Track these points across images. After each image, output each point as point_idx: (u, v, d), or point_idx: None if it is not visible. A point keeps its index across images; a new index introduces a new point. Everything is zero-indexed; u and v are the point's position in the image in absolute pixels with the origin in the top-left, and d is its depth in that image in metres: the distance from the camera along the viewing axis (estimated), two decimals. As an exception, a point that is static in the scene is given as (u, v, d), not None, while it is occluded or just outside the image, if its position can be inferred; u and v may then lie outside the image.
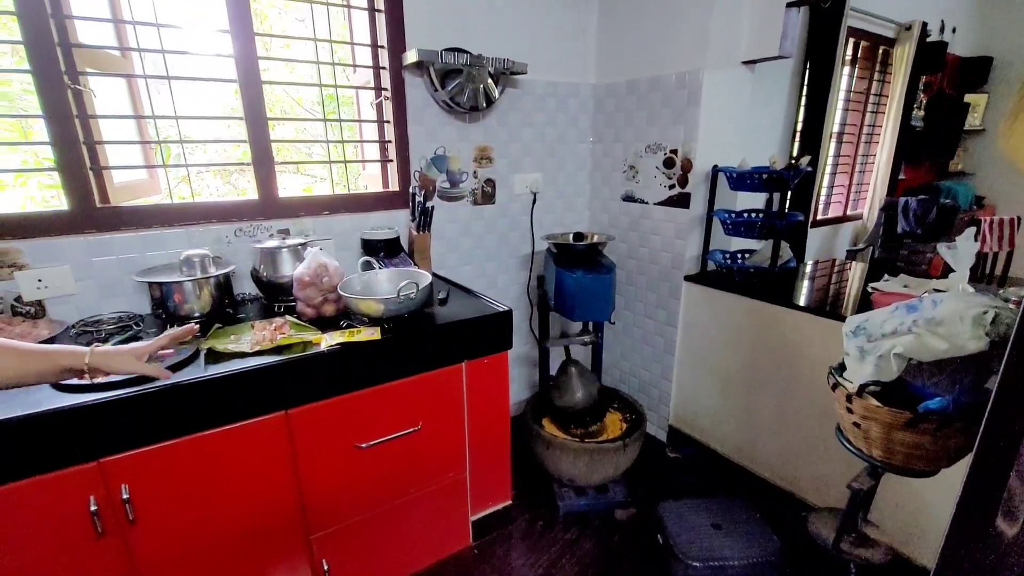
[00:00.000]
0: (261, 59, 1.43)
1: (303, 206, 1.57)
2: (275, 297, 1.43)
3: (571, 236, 1.94)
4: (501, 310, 1.38)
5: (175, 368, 1.05)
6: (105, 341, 1.19)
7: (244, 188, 3.10)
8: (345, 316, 1.33)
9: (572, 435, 1.82)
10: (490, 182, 1.90)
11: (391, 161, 1.73)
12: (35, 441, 0.90)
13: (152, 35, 1.34)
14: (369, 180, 1.91)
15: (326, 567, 1.28)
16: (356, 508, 1.30)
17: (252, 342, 1.17)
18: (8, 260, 1.21)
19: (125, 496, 0.99)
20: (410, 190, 1.70)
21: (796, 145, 2.40)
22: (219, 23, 1.39)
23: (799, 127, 2.36)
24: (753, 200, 1.85)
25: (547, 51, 1.90)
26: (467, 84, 1.61)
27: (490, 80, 1.65)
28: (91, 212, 1.30)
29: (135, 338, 1.21)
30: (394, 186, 1.75)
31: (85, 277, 1.31)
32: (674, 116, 1.80)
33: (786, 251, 1.76)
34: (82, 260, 1.30)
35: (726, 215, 1.75)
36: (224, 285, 1.35)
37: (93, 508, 0.97)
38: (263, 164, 1.49)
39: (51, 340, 1.17)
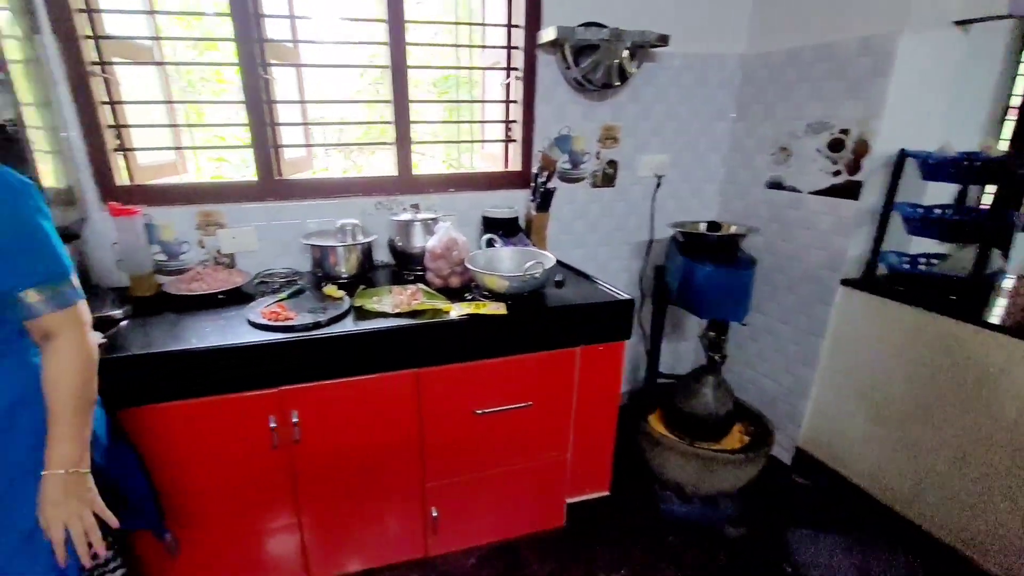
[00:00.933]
0: (409, 45, 1.76)
1: (432, 183, 1.91)
2: (406, 266, 1.79)
3: (703, 225, 2.02)
4: (622, 298, 1.58)
5: (334, 320, 1.43)
6: (276, 292, 1.64)
7: (361, 164, 3.63)
8: (468, 289, 1.63)
9: (681, 434, 1.96)
10: (612, 164, 2.08)
11: (514, 141, 1.99)
12: (237, 365, 1.33)
13: (308, 28, 1.73)
14: (487, 160, 2.20)
15: (435, 513, 1.63)
16: (466, 468, 1.61)
17: (392, 304, 1.52)
18: (214, 220, 1.71)
19: (295, 420, 1.40)
20: (532, 170, 1.95)
21: (1010, 127, 2.18)
22: (374, 13, 1.74)
23: (1015, 104, 2.13)
24: (938, 195, 1.76)
25: (690, 18, 1.99)
26: (602, 60, 1.79)
27: (626, 54, 1.81)
28: (272, 183, 1.76)
29: (299, 292, 1.62)
30: (515, 166, 2.01)
31: (265, 237, 1.79)
32: (849, 89, 1.76)
33: (995, 259, 1.63)
34: (263, 223, 1.77)
35: (914, 210, 1.64)
36: (368, 251, 1.73)
37: (272, 426, 1.39)
38: (404, 143, 1.85)
39: (240, 287, 1.63)
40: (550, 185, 1.87)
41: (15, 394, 0.88)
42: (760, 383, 2.24)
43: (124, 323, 1.43)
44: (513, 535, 1.79)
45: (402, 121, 1.83)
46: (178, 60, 1.66)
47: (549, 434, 1.66)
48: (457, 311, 1.47)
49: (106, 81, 1.59)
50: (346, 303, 1.53)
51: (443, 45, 1.96)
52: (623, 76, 1.86)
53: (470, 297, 1.57)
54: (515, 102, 1.93)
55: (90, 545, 0.91)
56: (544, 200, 1.86)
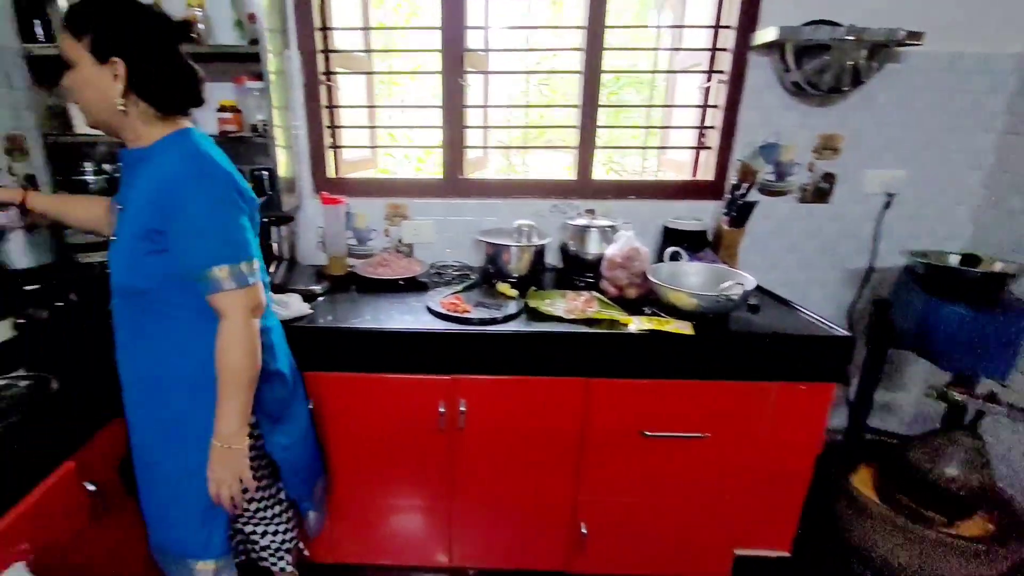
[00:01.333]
0: (606, 51, 1.80)
1: (611, 189, 1.93)
2: (578, 271, 1.82)
3: (955, 257, 1.72)
4: (839, 335, 1.43)
5: (509, 318, 1.50)
6: (448, 284, 1.78)
7: (526, 166, 3.81)
8: (647, 302, 1.59)
9: (899, 504, 1.66)
10: (829, 177, 1.88)
11: (708, 148, 1.91)
12: (417, 348, 1.47)
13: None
14: (671, 167, 2.14)
15: (584, 530, 1.62)
16: (625, 489, 1.58)
17: (566, 309, 1.55)
18: (400, 212, 1.93)
19: (462, 408, 1.49)
20: (729, 181, 1.85)
21: None
22: (573, 19, 1.83)
23: None
24: None
25: (946, 13, 1.74)
26: (834, 62, 1.65)
27: (864, 55, 1.64)
28: (455, 181, 1.94)
29: (472, 286, 1.74)
30: (705, 175, 1.93)
31: (441, 231, 1.97)
32: None
33: None
34: (442, 217, 1.96)
35: None
36: (541, 253, 1.80)
37: (441, 410, 1.49)
38: (587, 147, 1.89)
39: (416, 276, 1.80)
40: (749, 198, 1.75)
41: (205, 354, 1.03)
42: (1011, 460, 1.81)
43: (322, 298, 1.67)
44: (668, 573, 1.68)
45: (588, 125, 1.88)
46: (386, 70, 1.90)
47: (725, 473, 1.55)
48: (636, 324, 1.44)
49: (328, 88, 1.90)
50: (519, 303, 1.60)
51: (643, 50, 1.97)
52: (856, 80, 1.69)
53: (649, 311, 1.53)
54: (715, 107, 1.86)
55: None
56: (741, 214, 1.75)
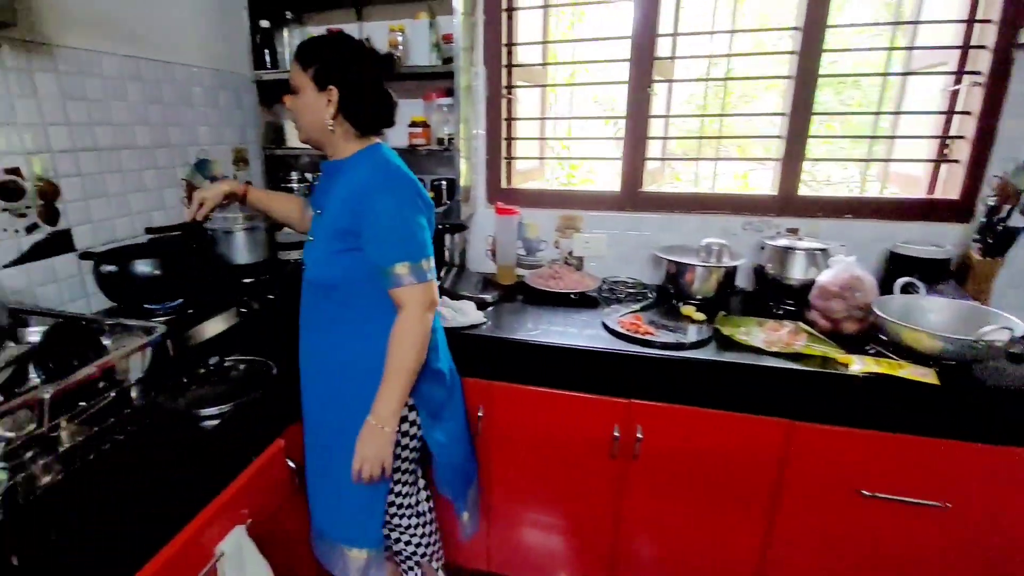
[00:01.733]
0: (826, 52, 1.69)
1: (822, 206, 1.79)
2: (776, 297, 1.71)
3: None
4: None
5: (697, 344, 1.46)
6: (621, 301, 1.79)
7: (677, 173, 3.62)
8: (869, 339, 1.44)
9: None
10: None
11: (953, 162, 1.69)
12: (593, 368, 1.50)
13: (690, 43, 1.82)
14: (897, 182, 1.93)
15: None
16: (827, 553, 1.45)
17: (765, 340, 1.47)
18: (573, 224, 1.99)
19: (639, 436, 1.48)
20: (982, 201, 1.61)
21: None
22: (787, 21, 1.73)
23: None
24: None
25: None
26: None
27: None
28: (634, 195, 1.95)
29: (650, 306, 1.72)
30: (948, 193, 1.71)
31: (614, 245, 2.00)
32: None
33: None
34: (616, 231, 1.98)
35: None
36: (731, 275, 1.73)
37: (615, 435, 1.50)
38: (794, 160, 1.78)
39: (585, 291, 1.83)
40: (1011, 222, 1.51)
41: (384, 346, 1.19)
42: None
43: (491, 307, 1.77)
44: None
45: (797, 135, 1.77)
46: (559, 82, 1.98)
47: (966, 554, 1.35)
48: (859, 366, 1.32)
49: (508, 101, 2.03)
50: (707, 328, 1.56)
51: (873, 49, 1.81)
52: None
53: (873, 351, 1.39)
54: (966, 113, 1.64)
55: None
56: (1000, 241, 1.52)
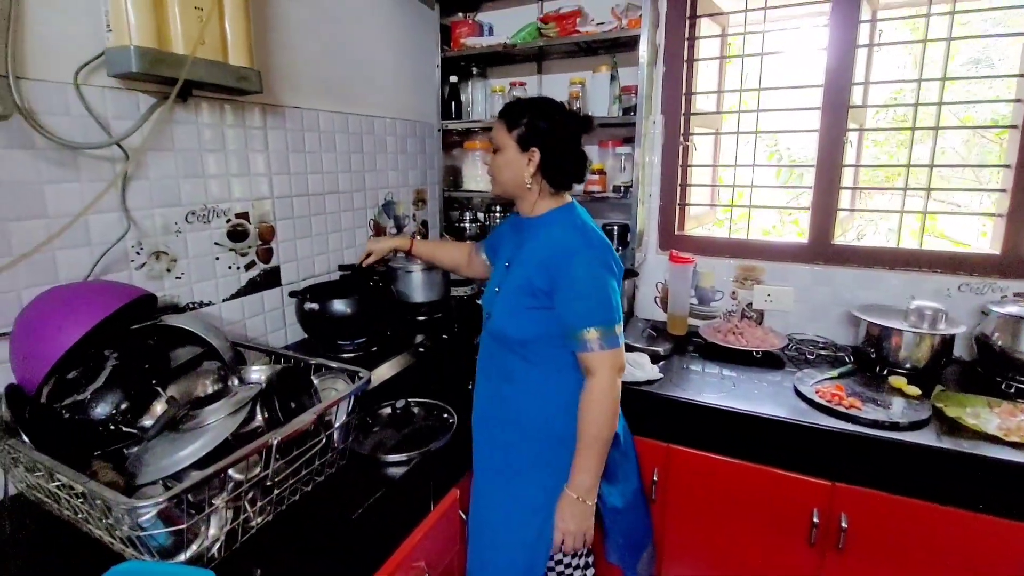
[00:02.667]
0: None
1: (1062, 268, 1.49)
2: (1004, 373, 1.44)
3: None
4: None
5: (913, 427, 1.25)
6: (811, 364, 1.60)
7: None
8: None
9: None
10: None
11: None
12: (789, 441, 1.32)
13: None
14: None
15: None
16: None
17: (1001, 427, 1.22)
18: (753, 276, 1.81)
19: (843, 524, 1.27)
20: None
21: None
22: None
23: None
24: None
25: None
26: None
27: None
28: (824, 247, 1.75)
29: (848, 374, 1.51)
30: None
31: (802, 300, 1.79)
32: None
33: None
34: (804, 285, 1.78)
35: None
36: (948, 344, 1.48)
37: (815, 520, 1.29)
38: (1020, 215, 1.51)
39: (771, 350, 1.64)
40: None
41: (560, 404, 1.16)
42: None
43: (663, 361, 1.63)
44: None
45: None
46: (744, 130, 1.84)
47: None
48: None
49: (684, 148, 1.91)
50: (924, 406, 1.33)
51: None
52: None
53: None
54: None
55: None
56: None
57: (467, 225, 2.09)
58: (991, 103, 1.61)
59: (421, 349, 1.65)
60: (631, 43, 1.71)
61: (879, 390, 1.45)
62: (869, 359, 1.57)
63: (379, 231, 1.92)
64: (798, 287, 1.77)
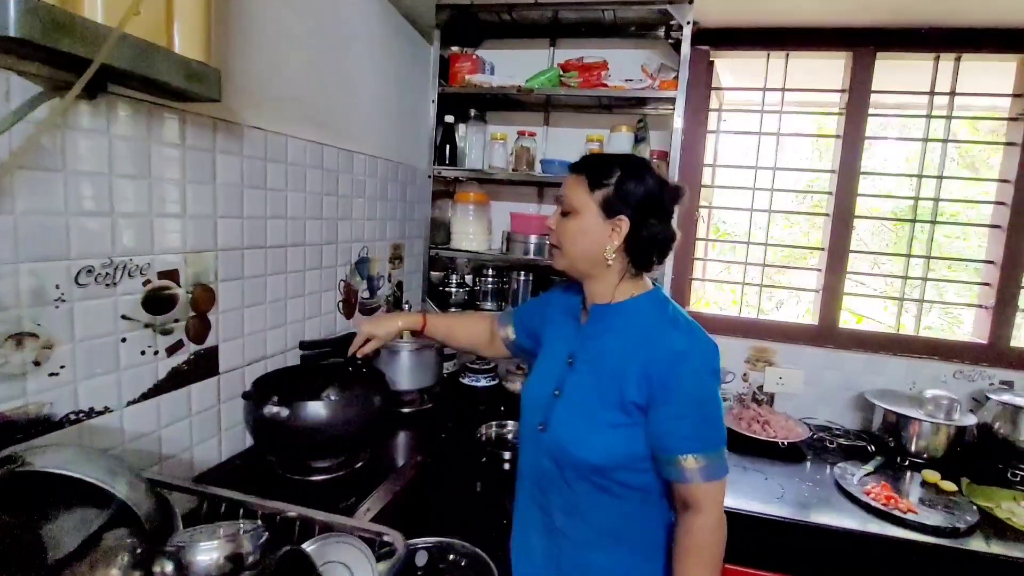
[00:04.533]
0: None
1: (1037, 360, 1.46)
2: (1006, 460, 1.36)
3: None
4: None
5: (970, 531, 1.09)
6: (830, 452, 1.40)
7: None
8: None
9: None
10: None
11: None
12: (845, 552, 1.11)
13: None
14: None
15: None
16: None
17: None
18: (766, 357, 1.60)
19: None
20: None
21: None
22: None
23: None
24: None
25: None
26: None
27: None
28: (832, 330, 1.59)
29: (880, 467, 1.32)
30: None
31: (811, 383, 1.59)
32: None
33: None
34: (815, 368, 1.59)
35: None
36: (961, 433, 1.36)
37: None
38: (1005, 308, 1.48)
39: (797, 441, 1.42)
40: None
41: (648, 547, 0.86)
42: None
43: None
44: None
45: (1008, 283, 1.47)
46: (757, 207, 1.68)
47: None
48: None
49: (695, 221, 1.69)
50: (967, 504, 1.18)
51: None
52: None
53: None
54: None
55: None
56: None
57: (453, 290, 1.63)
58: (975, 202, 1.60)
59: (419, 458, 1.15)
60: (657, 104, 1.48)
61: (916, 484, 1.27)
62: (888, 447, 1.41)
63: (349, 296, 1.39)
64: (808, 370, 1.58)
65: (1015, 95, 1.45)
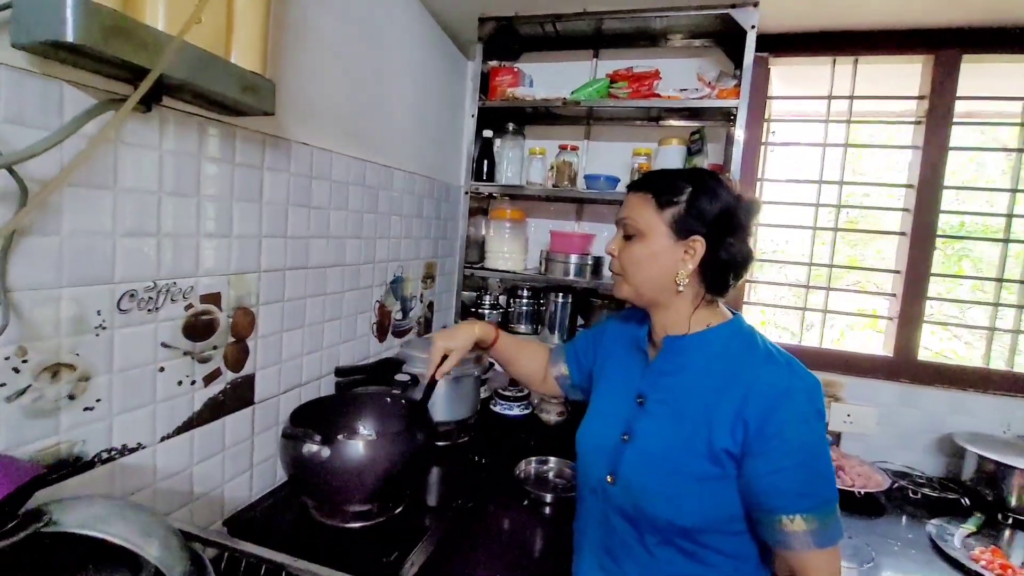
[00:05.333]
0: None
1: None
2: None
3: None
4: None
5: None
6: (915, 505, 1.30)
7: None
8: None
9: None
10: None
11: None
12: None
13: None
14: None
15: None
16: None
17: None
18: (831, 391, 1.51)
19: None
20: None
21: None
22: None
23: None
24: None
25: None
26: None
27: None
28: (910, 363, 1.50)
29: (982, 526, 1.22)
30: None
31: (886, 422, 1.49)
32: None
33: None
34: (889, 405, 1.50)
35: None
36: (1077, 489, 1.25)
37: None
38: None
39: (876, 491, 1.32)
40: None
41: None
42: None
43: None
44: None
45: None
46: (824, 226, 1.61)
47: None
48: None
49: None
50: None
51: None
52: None
53: None
54: None
55: None
56: None
57: (486, 311, 1.60)
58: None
59: (458, 502, 1.10)
60: (711, 116, 1.44)
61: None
62: (984, 501, 1.30)
63: (383, 318, 1.38)
64: (883, 407, 1.48)
65: None
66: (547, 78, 1.62)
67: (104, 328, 0.72)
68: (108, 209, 0.71)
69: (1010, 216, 1.46)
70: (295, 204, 1.04)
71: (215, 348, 0.89)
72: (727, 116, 1.45)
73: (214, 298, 0.89)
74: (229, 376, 0.93)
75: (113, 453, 0.75)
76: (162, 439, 0.82)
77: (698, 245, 0.78)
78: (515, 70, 1.51)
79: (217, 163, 0.86)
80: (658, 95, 1.37)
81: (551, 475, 1.30)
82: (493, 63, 1.59)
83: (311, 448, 0.86)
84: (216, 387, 0.90)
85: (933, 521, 1.22)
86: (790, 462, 0.70)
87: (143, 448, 0.79)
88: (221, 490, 0.94)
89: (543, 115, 1.63)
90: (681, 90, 1.36)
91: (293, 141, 1.02)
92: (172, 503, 0.85)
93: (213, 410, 0.90)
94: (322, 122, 1.10)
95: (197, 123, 0.82)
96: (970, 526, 1.21)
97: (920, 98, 1.48)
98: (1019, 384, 1.43)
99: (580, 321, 1.65)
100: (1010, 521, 1.25)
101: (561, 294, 1.61)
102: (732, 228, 0.79)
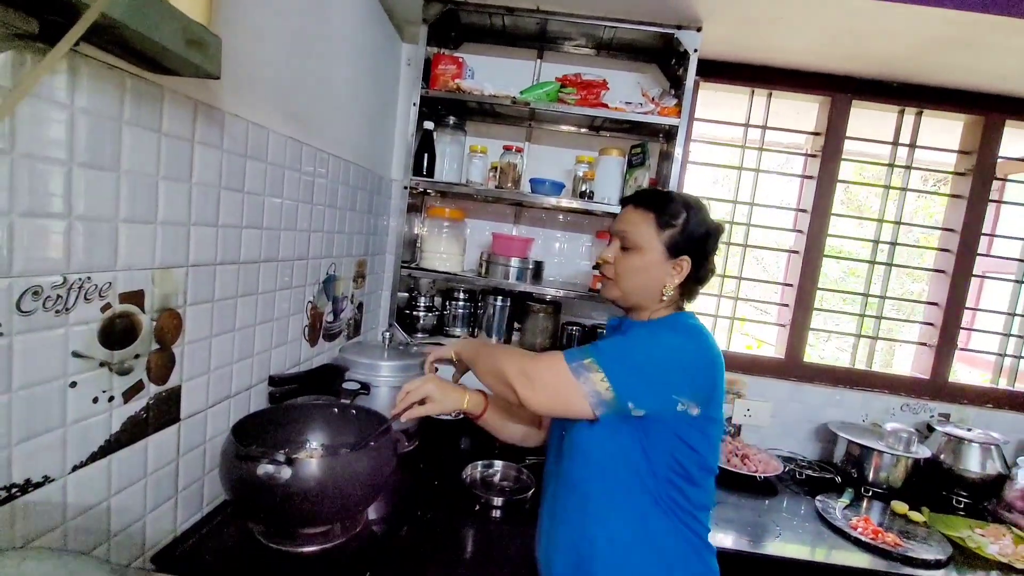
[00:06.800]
0: None
1: (969, 396, 1.74)
2: (949, 488, 1.58)
3: None
4: None
5: (949, 562, 1.25)
6: (799, 483, 1.53)
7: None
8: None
9: None
10: None
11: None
12: None
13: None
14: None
15: None
16: None
17: (999, 551, 1.28)
18: (734, 389, 1.71)
19: None
20: None
21: None
22: None
23: None
24: None
25: None
26: None
27: None
28: (797, 363, 1.76)
29: (852, 499, 1.48)
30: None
31: (777, 415, 1.73)
32: None
33: None
34: (780, 400, 1.74)
35: None
36: (918, 466, 1.56)
37: None
38: (947, 345, 1.75)
39: (772, 476, 1.54)
40: None
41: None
42: None
43: None
44: None
45: (948, 325, 1.74)
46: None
47: None
48: None
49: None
50: (938, 536, 1.35)
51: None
52: None
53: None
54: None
55: None
56: None
57: (421, 313, 1.55)
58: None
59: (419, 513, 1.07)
60: (651, 131, 1.55)
61: (888, 516, 1.44)
62: (851, 478, 1.58)
63: (315, 320, 1.27)
64: (775, 402, 1.73)
65: (961, 152, 1.73)
66: (488, 73, 1.61)
67: (1, 335, 0.58)
68: (3, 181, 0.57)
69: (876, 242, 1.78)
70: (228, 188, 0.92)
71: (137, 357, 0.76)
72: (664, 133, 1.57)
73: (136, 297, 0.75)
74: (153, 390, 0.80)
75: (13, 491, 0.61)
76: (73, 469, 0.68)
77: (685, 264, 0.92)
78: (459, 60, 1.48)
79: (140, 130, 0.73)
80: (605, 105, 1.44)
81: (497, 478, 1.32)
82: (433, 49, 1.54)
83: (268, 469, 0.77)
84: (138, 403, 0.77)
85: (818, 498, 1.46)
86: (625, 353, 0.85)
87: (51, 482, 0.65)
88: (143, 523, 0.81)
89: (485, 111, 1.61)
90: (627, 103, 1.44)
91: (227, 112, 0.89)
92: (86, 543, 0.71)
93: (134, 430, 0.77)
94: (260, 93, 0.98)
95: (118, 78, 0.68)
96: (844, 499, 1.46)
97: (816, 134, 1.74)
98: (875, 381, 1.75)
99: (516, 325, 1.68)
100: (870, 493, 1.54)
101: (499, 298, 1.62)
102: (708, 251, 0.94)
